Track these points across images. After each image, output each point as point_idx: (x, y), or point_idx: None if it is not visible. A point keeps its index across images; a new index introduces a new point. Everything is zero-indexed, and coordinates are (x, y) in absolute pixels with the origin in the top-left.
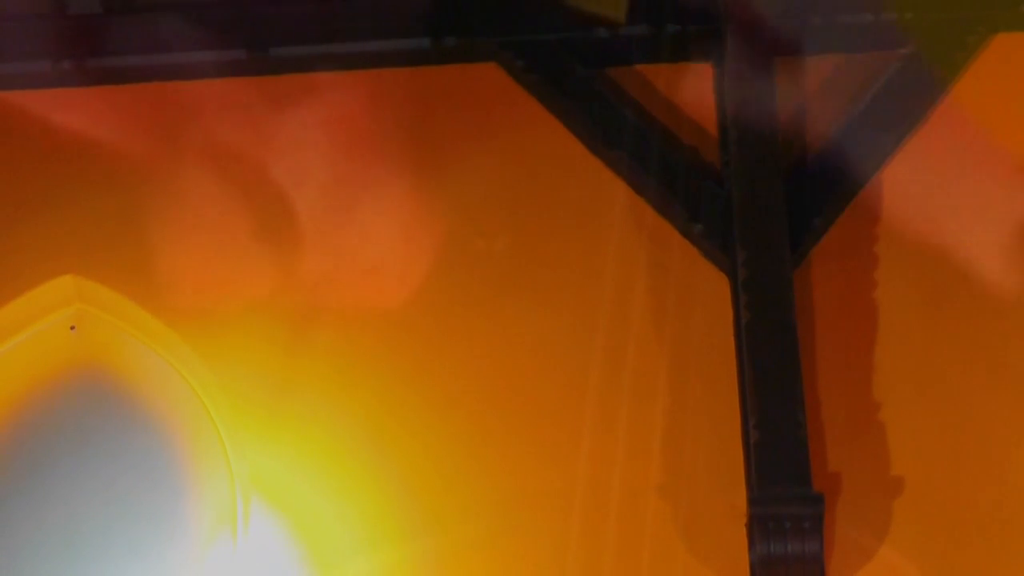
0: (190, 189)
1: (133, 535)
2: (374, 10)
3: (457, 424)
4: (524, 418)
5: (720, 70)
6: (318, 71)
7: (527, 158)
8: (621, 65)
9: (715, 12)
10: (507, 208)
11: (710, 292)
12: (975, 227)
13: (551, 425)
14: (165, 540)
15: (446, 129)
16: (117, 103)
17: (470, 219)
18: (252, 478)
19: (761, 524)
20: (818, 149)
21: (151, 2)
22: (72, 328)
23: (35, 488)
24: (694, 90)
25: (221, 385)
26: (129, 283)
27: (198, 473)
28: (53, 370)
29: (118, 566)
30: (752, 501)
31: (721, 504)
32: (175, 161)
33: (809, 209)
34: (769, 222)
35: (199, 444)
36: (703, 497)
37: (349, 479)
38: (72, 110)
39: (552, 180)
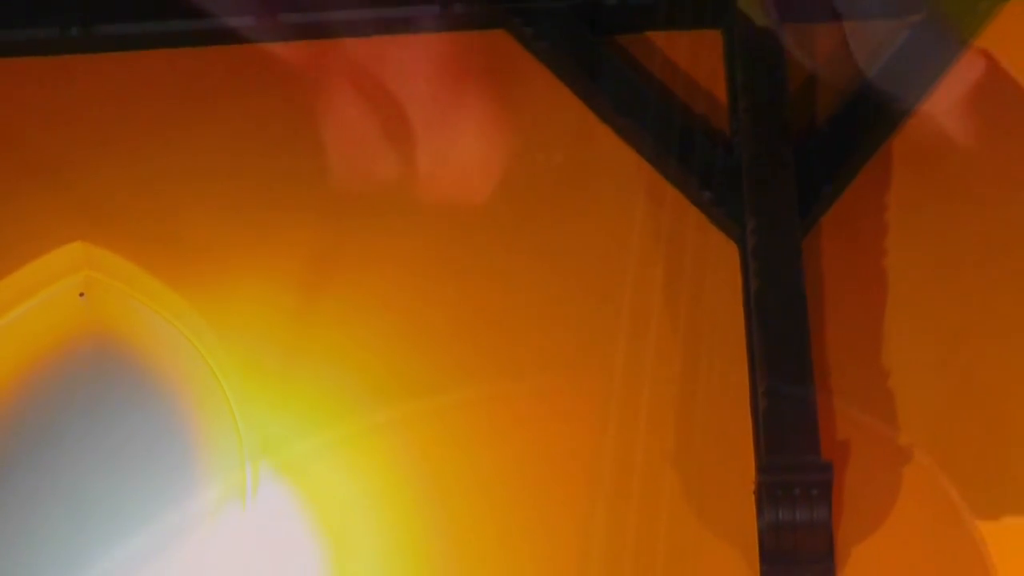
0: (200, 156)
1: (142, 502)
2: None
3: (468, 392)
4: (534, 387)
5: (730, 37)
6: (331, 38)
7: (536, 125)
8: (630, 32)
9: None
10: (514, 175)
11: (720, 260)
12: (987, 194)
13: (561, 392)
14: (174, 507)
15: (453, 97)
16: (126, 70)
17: (478, 185)
18: (261, 445)
19: (770, 491)
20: (828, 117)
21: None
22: (81, 295)
23: (44, 454)
24: (704, 57)
25: (230, 352)
26: (138, 250)
27: (207, 439)
28: (62, 337)
29: (126, 532)
30: (761, 469)
31: (730, 471)
32: (185, 128)
33: (819, 177)
34: (779, 190)
35: (208, 411)
36: (712, 464)
37: (358, 446)
38: (81, 77)
39: (561, 147)
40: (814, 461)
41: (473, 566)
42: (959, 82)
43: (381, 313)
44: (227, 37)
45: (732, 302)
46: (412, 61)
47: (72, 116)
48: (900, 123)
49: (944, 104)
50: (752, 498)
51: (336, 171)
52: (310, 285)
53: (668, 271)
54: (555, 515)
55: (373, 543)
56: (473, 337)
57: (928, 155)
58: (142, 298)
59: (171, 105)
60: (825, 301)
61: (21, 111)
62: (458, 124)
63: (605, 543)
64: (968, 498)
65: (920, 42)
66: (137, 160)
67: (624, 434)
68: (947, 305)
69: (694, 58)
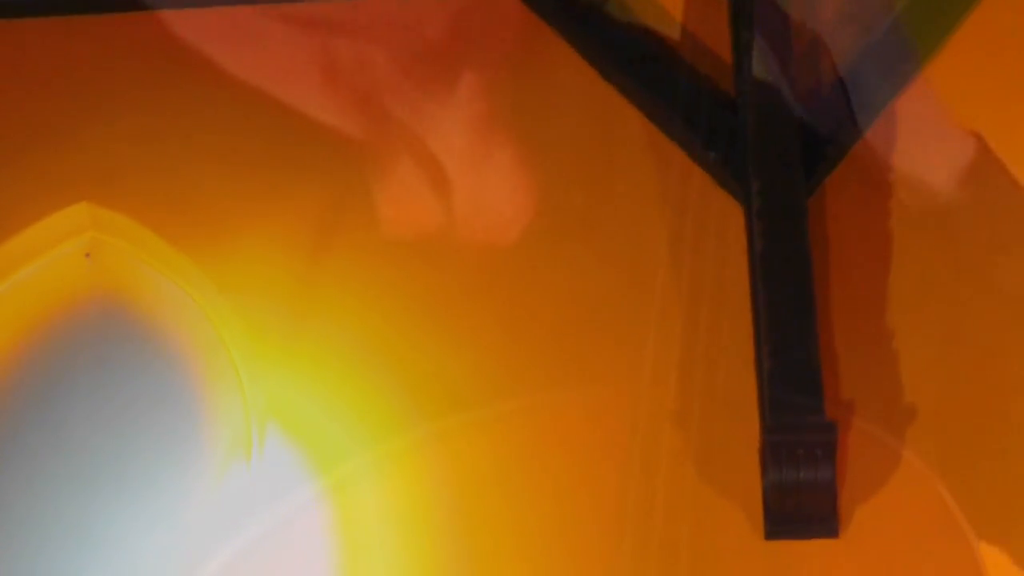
0: (207, 117)
1: (148, 461)
2: None
3: (473, 351)
4: (536, 345)
5: None
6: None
7: (540, 85)
8: None
9: None
10: (518, 134)
11: (724, 220)
12: (991, 156)
13: (565, 351)
14: (180, 466)
15: (458, 57)
16: (130, 29)
17: (482, 145)
18: (267, 405)
19: (774, 451)
20: (833, 78)
21: None
22: (87, 256)
23: (50, 414)
24: (708, 17)
25: (236, 312)
26: (144, 211)
27: (212, 400)
28: (68, 298)
29: (132, 492)
30: (765, 428)
31: (735, 432)
32: (191, 88)
33: (824, 138)
34: (784, 151)
35: (214, 371)
36: (716, 425)
37: (365, 406)
38: (84, 36)
39: (565, 107)
40: (818, 421)
41: (475, 521)
42: (959, 46)
43: (388, 273)
44: None
45: (737, 263)
46: (417, 21)
47: (76, 76)
48: (905, 84)
49: (945, 67)
50: (756, 458)
51: (346, 135)
52: (317, 246)
53: (673, 232)
54: (557, 473)
55: (378, 501)
56: (480, 295)
57: (932, 117)
58: (148, 259)
59: (177, 64)
60: (830, 262)
61: (23, 72)
62: (463, 87)
63: (611, 497)
64: (973, 457)
65: (924, 4)
66: (142, 120)
67: (628, 395)
68: (952, 265)
69: (699, 18)
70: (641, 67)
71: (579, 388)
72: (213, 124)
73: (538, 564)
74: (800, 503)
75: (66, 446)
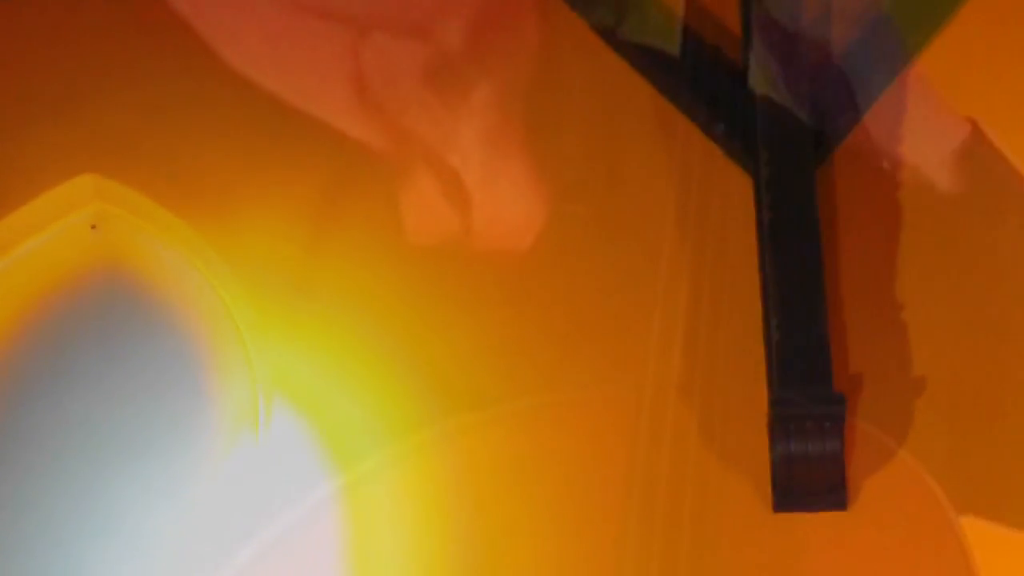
0: (211, 85)
1: (153, 434)
2: None
3: (481, 321)
4: (544, 314)
5: None
6: None
7: (544, 51)
8: None
9: None
10: (522, 101)
11: (733, 192)
12: (1004, 126)
13: (572, 322)
14: (185, 439)
15: (457, 23)
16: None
17: (489, 116)
18: (274, 377)
19: (782, 424)
20: (843, 47)
21: None
22: (93, 227)
23: (55, 386)
24: None
25: (242, 283)
26: (149, 181)
27: (218, 372)
28: (73, 270)
29: (138, 463)
30: (773, 401)
31: (743, 404)
32: (196, 56)
33: (833, 108)
34: (793, 121)
35: (220, 343)
36: (724, 397)
37: (372, 378)
38: (91, 7)
39: (570, 76)
40: (827, 394)
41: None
42: (972, 15)
43: (395, 245)
44: None
45: (745, 234)
46: None
47: (79, 45)
48: (917, 54)
49: (958, 36)
50: (765, 431)
51: (355, 102)
52: (323, 216)
53: (680, 203)
54: (564, 446)
55: (387, 471)
56: (487, 261)
57: (943, 85)
58: (154, 229)
59: (180, 33)
60: (839, 233)
61: (27, 43)
62: (473, 56)
63: (620, 474)
64: (982, 430)
65: None
66: (148, 91)
67: (635, 368)
68: (962, 237)
69: None
70: (648, 37)
71: (585, 364)
72: (219, 95)
73: (548, 540)
74: (808, 476)
75: (70, 418)
